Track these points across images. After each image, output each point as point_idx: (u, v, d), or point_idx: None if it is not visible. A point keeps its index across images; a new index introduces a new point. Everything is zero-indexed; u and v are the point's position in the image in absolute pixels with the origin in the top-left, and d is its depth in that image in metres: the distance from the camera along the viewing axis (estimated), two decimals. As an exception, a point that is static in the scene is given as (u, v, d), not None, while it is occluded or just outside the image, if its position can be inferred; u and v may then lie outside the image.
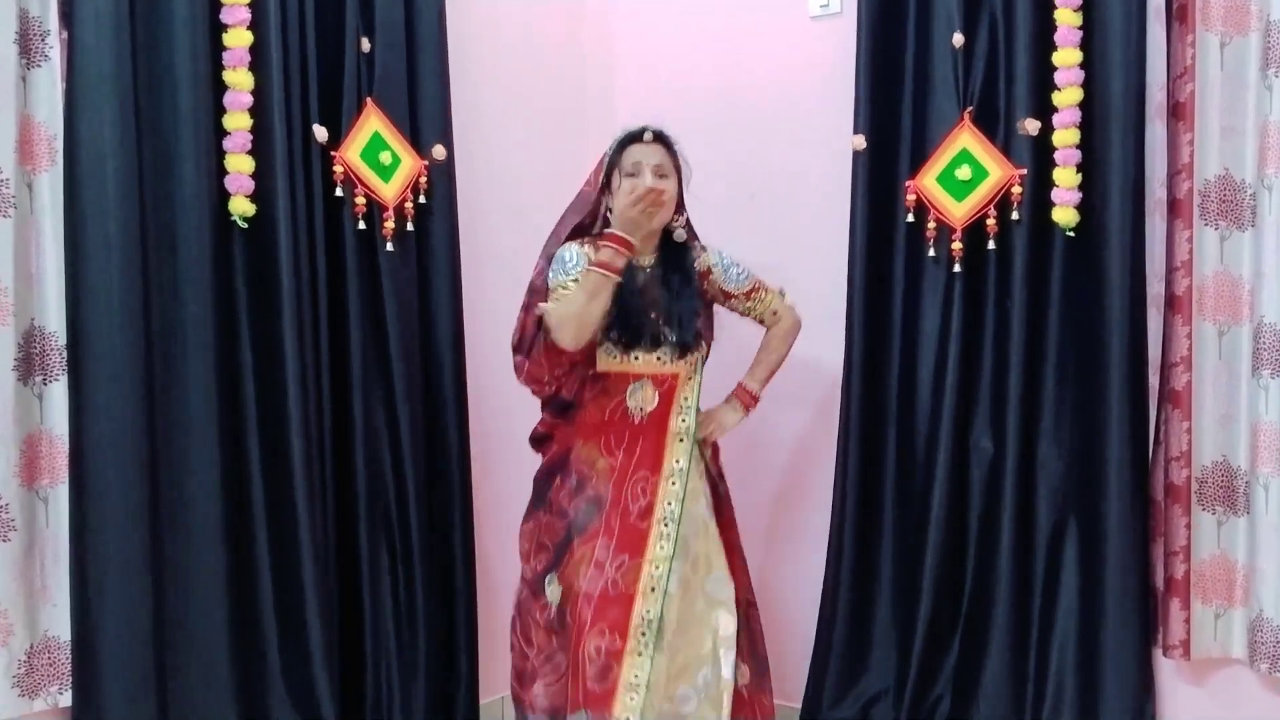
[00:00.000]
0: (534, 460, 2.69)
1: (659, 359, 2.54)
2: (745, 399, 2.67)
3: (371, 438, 2.87)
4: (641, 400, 2.56)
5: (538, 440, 2.69)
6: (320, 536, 2.73)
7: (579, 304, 2.41)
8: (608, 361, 2.54)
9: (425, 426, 2.96)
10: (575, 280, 2.44)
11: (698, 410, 2.59)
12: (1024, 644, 2.77)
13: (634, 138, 2.52)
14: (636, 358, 2.53)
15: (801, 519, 3.20)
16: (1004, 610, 2.77)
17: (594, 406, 2.57)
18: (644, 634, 2.47)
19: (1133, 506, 2.63)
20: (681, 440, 2.57)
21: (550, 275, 2.49)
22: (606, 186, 2.53)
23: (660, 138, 2.53)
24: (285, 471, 2.67)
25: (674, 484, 2.54)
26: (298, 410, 2.66)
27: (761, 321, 2.70)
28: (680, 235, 2.60)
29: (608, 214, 2.53)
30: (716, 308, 2.69)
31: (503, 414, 3.01)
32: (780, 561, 3.21)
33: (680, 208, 2.60)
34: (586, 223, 2.57)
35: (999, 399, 2.78)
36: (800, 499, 3.21)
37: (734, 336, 2.74)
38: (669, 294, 2.55)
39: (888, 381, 2.92)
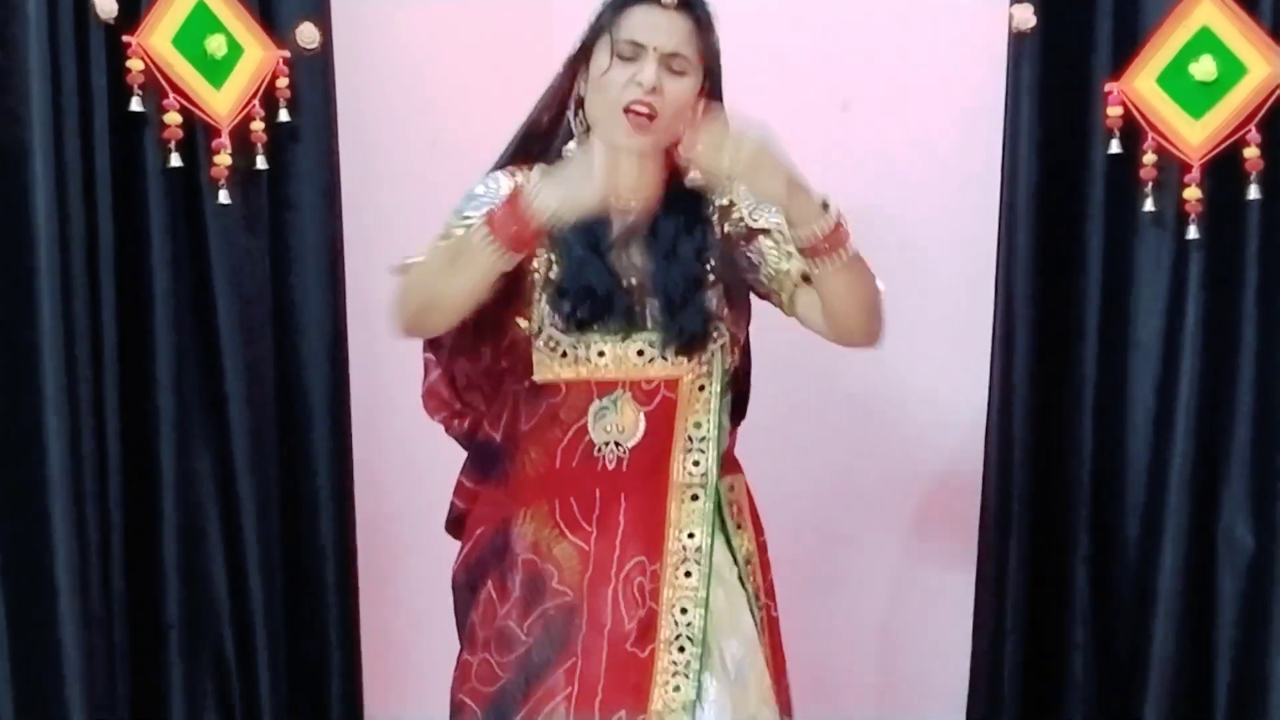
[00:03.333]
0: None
1: (640, 354, 2.30)
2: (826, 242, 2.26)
3: (191, 519, 2.84)
4: (616, 428, 2.31)
5: (455, 523, 2.57)
6: (98, 690, 2.63)
7: (435, 268, 2.25)
8: (551, 365, 2.32)
9: (283, 498, 2.93)
10: (465, 224, 2.27)
11: (722, 446, 2.38)
12: None
13: None
14: (600, 353, 2.29)
15: (920, 654, 3.16)
16: None
17: (536, 447, 2.36)
18: None
19: None
20: (695, 498, 2.33)
21: (450, 215, 2.36)
22: (584, 61, 2.34)
23: (688, 3, 2.31)
24: (43, 571, 2.56)
25: (689, 575, 2.31)
26: (62, 465, 2.56)
27: (792, 303, 2.40)
28: (695, 176, 2.35)
29: (578, 112, 2.35)
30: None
31: (413, 472, 2.99)
32: (880, 685, 3.20)
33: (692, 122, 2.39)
34: (544, 126, 2.41)
35: (1264, 455, 2.67)
36: (918, 590, 3.18)
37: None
38: (659, 252, 2.34)
39: (1073, 420, 2.83)
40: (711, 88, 2.38)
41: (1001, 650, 2.86)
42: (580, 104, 2.36)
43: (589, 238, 2.32)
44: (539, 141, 2.41)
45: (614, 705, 2.28)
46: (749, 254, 2.38)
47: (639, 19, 2.29)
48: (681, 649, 2.31)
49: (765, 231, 2.37)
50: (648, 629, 2.32)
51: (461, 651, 2.46)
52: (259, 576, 2.87)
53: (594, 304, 2.30)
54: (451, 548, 2.56)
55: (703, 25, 2.32)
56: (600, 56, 2.31)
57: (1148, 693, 2.74)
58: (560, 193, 2.15)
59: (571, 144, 2.37)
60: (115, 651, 2.73)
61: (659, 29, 2.27)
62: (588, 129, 2.36)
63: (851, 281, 2.26)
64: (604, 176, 2.16)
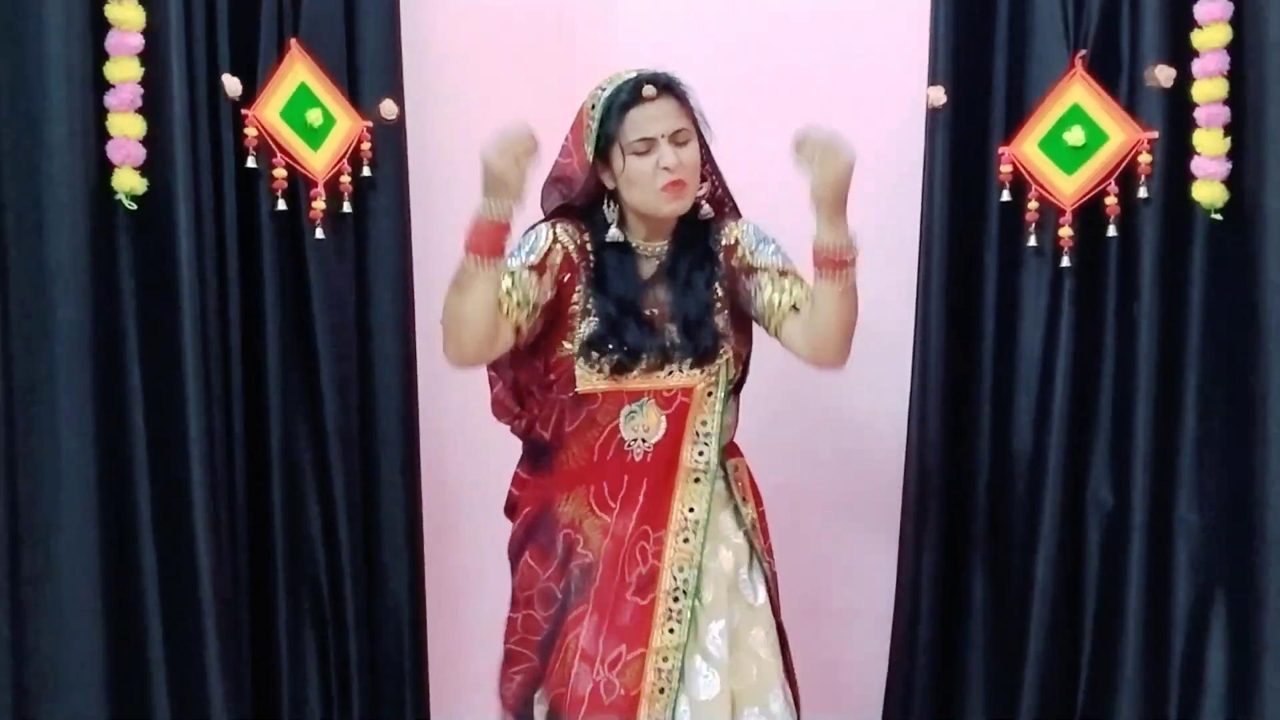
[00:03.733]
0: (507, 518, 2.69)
1: (664, 370, 2.48)
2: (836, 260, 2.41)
3: (293, 481, 2.92)
4: (641, 428, 2.48)
5: (511, 508, 2.66)
6: (228, 617, 2.77)
7: (452, 301, 2.36)
8: (591, 379, 2.46)
9: (364, 470, 3.01)
10: (510, 273, 2.40)
11: (723, 437, 2.52)
12: None
13: (633, 97, 2.42)
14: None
15: (856, 594, 3.22)
16: (1131, 702, 2.78)
17: (578, 444, 2.50)
18: None
19: None
20: (698, 481, 2.48)
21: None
22: (604, 164, 2.45)
23: (668, 87, 2.44)
24: (183, 524, 2.70)
25: (686, 541, 2.46)
26: (200, 444, 2.70)
27: (778, 329, 2.53)
28: (707, 211, 2.54)
29: (609, 203, 2.50)
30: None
31: (469, 457, 3.04)
32: (831, 632, 3.22)
33: (704, 171, 2.53)
34: (578, 205, 2.53)
35: (1123, 436, 2.80)
36: (856, 555, 3.24)
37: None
38: (676, 286, 2.50)
39: (975, 411, 2.95)
40: (700, 138, 2.48)
41: (919, 594, 2.95)
42: (613, 195, 2.47)
43: (619, 295, 2.46)
44: (573, 215, 2.52)
45: (619, 639, 2.41)
46: (749, 285, 2.51)
47: (638, 119, 2.40)
48: (676, 599, 2.43)
49: (764, 269, 2.51)
50: (650, 582, 2.43)
51: (510, 611, 2.57)
52: (346, 531, 2.95)
53: (622, 356, 2.44)
54: (494, 523, 2.69)
55: (683, 98, 2.45)
56: (617, 160, 2.41)
57: (1031, 619, 2.84)
58: (483, 198, 2.27)
59: (613, 229, 2.48)
60: (239, 586, 2.83)
61: (657, 120, 2.40)
62: (621, 218, 2.49)
63: (844, 303, 2.40)
64: (488, 170, 2.25)
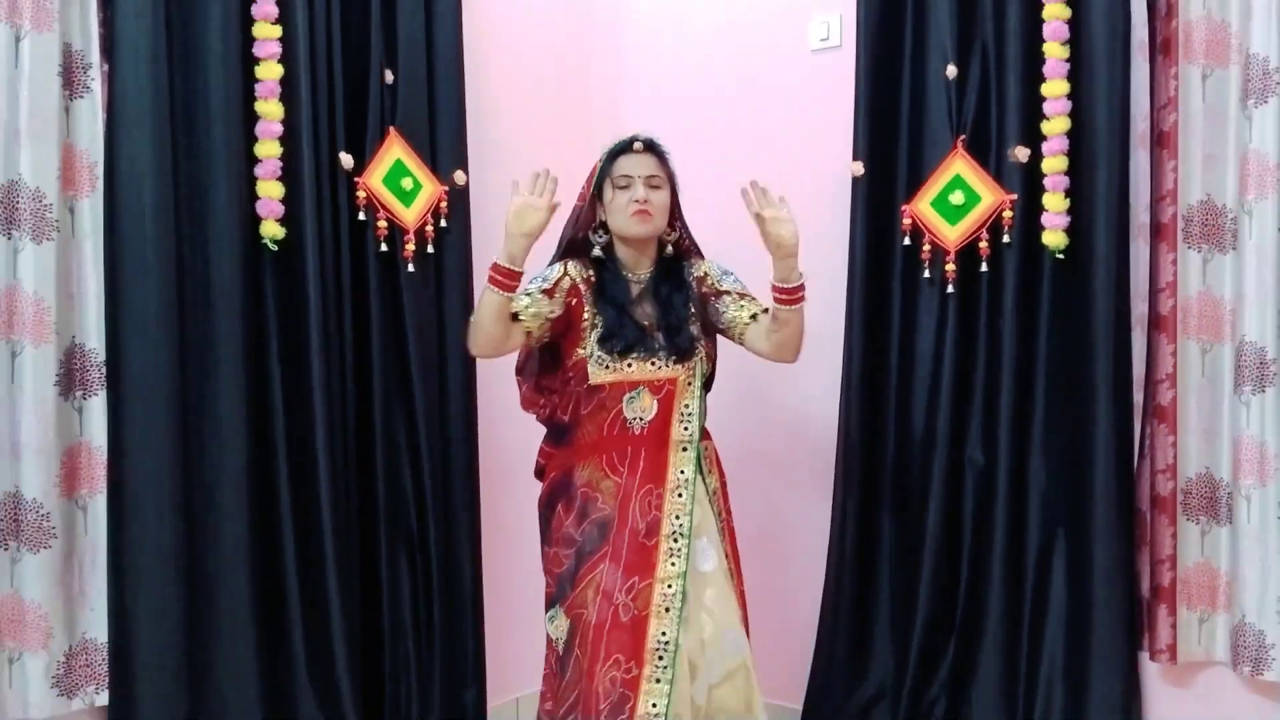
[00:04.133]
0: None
1: (654, 365, 2.48)
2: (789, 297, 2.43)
3: (392, 452, 2.92)
4: (639, 409, 2.48)
5: (540, 472, 2.66)
6: (344, 546, 2.78)
7: (476, 313, 2.43)
8: (600, 373, 2.47)
9: (442, 444, 3.00)
10: (526, 294, 2.45)
11: (702, 418, 2.52)
12: (1016, 648, 2.81)
13: (624, 148, 2.48)
14: (630, 365, 2.47)
15: (801, 526, 3.22)
16: (996, 616, 2.80)
17: (591, 423, 2.50)
18: (661, 658, 2.35)
19: (1119, 516, 2.67)
20: (685, 449, 2.49)
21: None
22: (599, 198, 2.50)
23: (651, 146, 2.48)
24: (311, 482, 2.73)
25: (680, 496, 2.46)
26: (323, 423, 2.72)
27: (741, 336, 2.53)
28: (669, 250, 2.56)
29: (601, 226, 2.52)
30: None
31: (512, 432, 2.98)
32: (781, 567, 3.23)
33: (674, 221, 2.56)
34: (580, 237, 2.54)
35: (991, 414, 2.82)
36: (800, 507, 3.23)
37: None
38: (661, 302, 2.50)
39: (885, 397, 2.96)
40: (673, 192, 2.53)
41: (845, 534, 2.99)
42: (602, 224, 2.51)
43: (617, 304, 2.48)
44: (575, 247, 2.54)
45: (632, 573, 2.42)
46: (717, 306, 2.55)
47: (624, 163, 2.47)
48: (675, 540, 2.45)
49: (727, 293, 2.55)
50: (654, 528, 2.44)
51: (542, 546, 2.60)
52: (430, 484, 2.95)
53: (628, 344, 2.48)
54: (526, 486, 2.72)
55: (661, 157, 2.50)
56: (607, 192, 2.47)
57: (924, 551, 2.88)
58: (504, 244, 2.33)
59: (596, 250, 2.51)
60: (351, 528, 2.82)
61: (637, 165, 2.46)
62: (609, 242, 2.51)
63: (797, 322, 2.46)
64: (518, 220, 2.31)
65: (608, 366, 2.47)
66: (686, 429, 2.50)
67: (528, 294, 2.44)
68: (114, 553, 2.46)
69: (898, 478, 2.95)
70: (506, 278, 2.35)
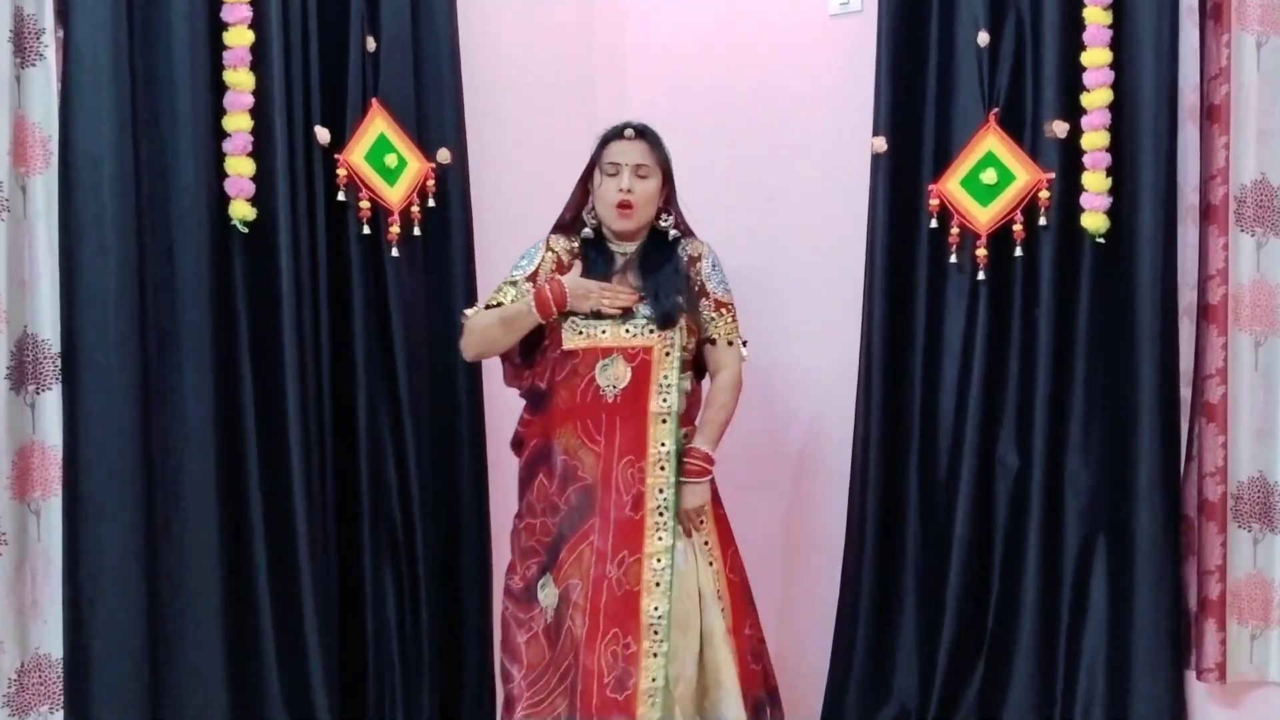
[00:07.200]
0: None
1: (628, 331, 2.51)
2: (698, 468, 2.54)
3: (376, 451, 2.89)
4: (612, 377, 2.50)
5: (517, 442, 2.68)
6: (320, 552, 2.75)
7: (492, 325, 2.53)
8: (574, 339, 2.52)
9: (436, 440, 2.98)
10: (513, 283, 2.55)
11: (683, 394, 2.54)
12: (1051, 667, 2.77)
13: (615, 134, 2.55)
14: (604, 331, 2.50)
15: (817, 532, 3.21)
16: (1030, 631, 2.76)
17: (565, 389, 2.54)
18: (656, 633, 2.42)
19: (1165, 523, 2.63)
20: (664, 421, 2.50)
21: (508, 273, 2.58)
22: (589, 181, 2.59)
23: (642, 133, 2.54)
24: (284, 483, 2.68)
25: (662, 469, 2.49)
26: (298, 421, 2.68)
27: (708, 349, 2.61)
28: (672, 234, 2.61)
29: (593, 210, 2.59)
30: None
31: (513, 422, 2.90)
32: (794, 575, 3.24)
33: (669, 207, 2.62)
34: (567, 218, 2.63)
35: (1025, 411, 2.78)
36: (815, 512, 3.23)
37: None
38: (645, 271, 2.55)
39: (908, 393, 2.92)
40: (667, 179, 2.58)
41: (864, 537, 2.90)
42: (591, 208, 2.58)
43: (599, 267, 2.54)
44: (566, 227, 2.62)
45: (620, 548, 2.46)
46: (700, 299, 2.58)
47: (614, 148, 2.54)
48: (660, 513, 2.48)
49: (709, 294, 2.59)
50: (639, 501, 2.48)
51: (516, 518, 2.62)
52: (416, 484, 2.88)
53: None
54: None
55: (653, 144, 2.55)
56: (596, 177, 2.55)
57: (952, 556, 2.80)
58: (571, 298, 2.45)
59: (587, 230, 2.58)
60: (328, 519, 2.78)
61: (626, 152, 2.52)
62: (599, 223, 2.58)
63: (732, 407, 2.58)
64: (581, 300, 2.45)
65: (580, 331, 2.51)
66: (665, 401, 2.52)
67: (512, 283, 2.55)
68: (70, 560, 2.42)
69: (922, 481, 2.91)
70: (545, 311, 2.49)
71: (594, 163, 2.57)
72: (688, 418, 2.60)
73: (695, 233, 2.69)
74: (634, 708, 2.38)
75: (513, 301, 2.51)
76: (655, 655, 2.41)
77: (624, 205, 2.49)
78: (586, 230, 2.58)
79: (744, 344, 2.64)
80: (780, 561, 3.19)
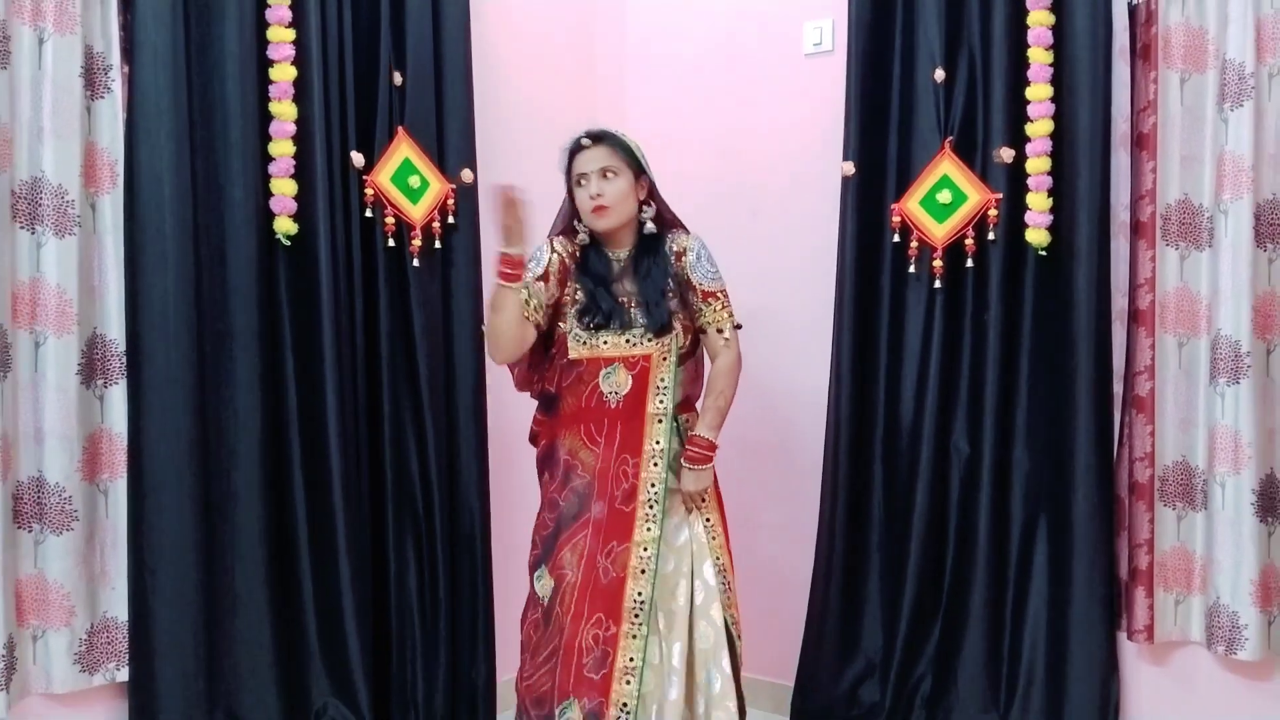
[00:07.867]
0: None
1: (628, 341, 2.47)
2: (700, 455, 2.51)
3: (399, 439, 2.91)
4: (615, 384, 2.47)
5: (533, 438, 2.68)
6: (355, 528, 2.78)
7: (488, 318, 2.44)
8: (578, 349, 2.48)
9: (447, 431, 2.98)
10: (525, 287, 2.45)
11: (677, 389, 2.51)
12: (999, 628, 2.82)
13: (575, 148, 2.48)
14: (605, 342, 2.47)
15: (793, 511, 3.21)
16: (980, 597, 2.80)
17: (570, 395, 2.51)
18: (637, 616, 2.40)
19: (1099, 502, 2.67)
20: (660, 421, 2.47)
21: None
22: (572, 197, 2.54)
23: (599, 138, 2.46)
24: (323, 468, 2.73)
25: (655, 464, 2.45)
26: (335, 410, 2.73)
27: (702, 338, 2.57)
28: (650, 228, 2.52)
29: (577, 219, 2.55)
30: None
31: (519, 420, 2.93)
32: (774, 549, 3.24)
33: (650, 199, 2.53)
34: (560, 227, 2.59)
35: (976, 404, 2.82)
36: (792, 493, 3.21)
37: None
38: (639, 278, 2.49)
39: (874, 388, 2.94)
40: (642, 172, 2.49)
41: (835, 516, 2.97)
42: (577, 215, 2.53)
43: (597, 277, 2.48)
44: (562, 234, 2.55)
45: (611, 538, 2.45)
46: (685, 291, 2.54)
47: (578, 161, 2.47)
48: (651, 506, 2.46)
49: (696, 286, 2.53)
50: (631, 495, 2.45)
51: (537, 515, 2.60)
52: (435, 468, 2.92)
53: (602, 318, 2.49)
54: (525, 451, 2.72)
55: (614, 145, 2.46)
56: (575, 192, 2.50)
57: (912, 534, 2.87)
58: (505, 247, 2.36)
59: (583, 235, 2.53)
60: (363, 501, 2.81)
61: (588, 160, 2.46)
62: (590, 232, 2.52)
63: (731, 392, 2.52)
64: (503, 236, 2.35)
65: (584, 343, 2.47)
66: (661, 402, 2.49)
67: (525, 286, 2.45)
68: (134, 534, 2.47)
69: (886, 466, 2.94)
70: (511, 266, 2.37)
71: (567, 179, 2.51)
72: (688, 402, 2.58)
73: (684, 223, 2.62)
74: (609, 687, 2.37)
75: (527, 301, 2.44)
76: (634, 637, 2.39)
77: (598, 208, 2.42)
78: (583, 236, 2.53)
79: (738, 327, 2.56)
80: (764, 535, 3.22)
